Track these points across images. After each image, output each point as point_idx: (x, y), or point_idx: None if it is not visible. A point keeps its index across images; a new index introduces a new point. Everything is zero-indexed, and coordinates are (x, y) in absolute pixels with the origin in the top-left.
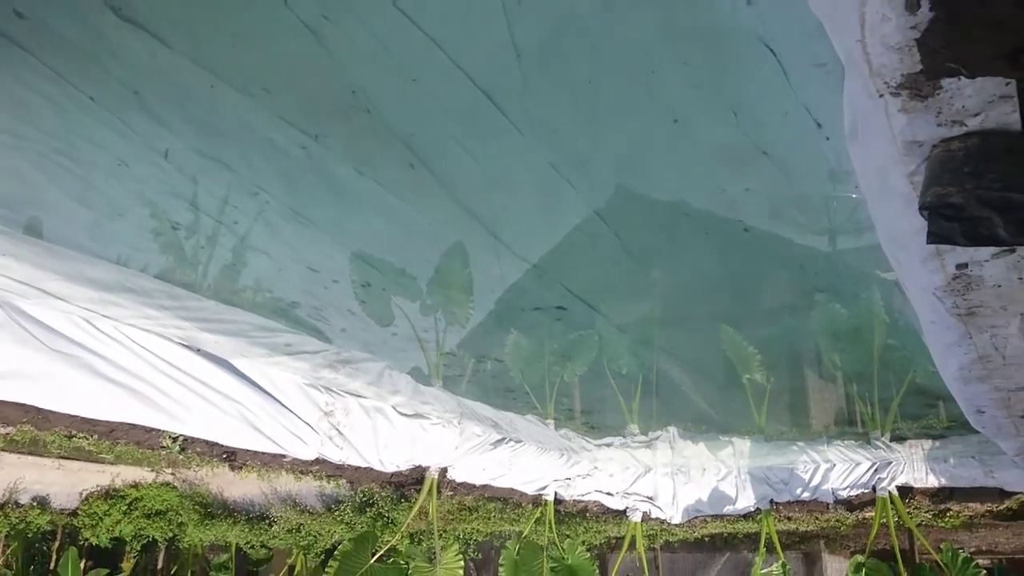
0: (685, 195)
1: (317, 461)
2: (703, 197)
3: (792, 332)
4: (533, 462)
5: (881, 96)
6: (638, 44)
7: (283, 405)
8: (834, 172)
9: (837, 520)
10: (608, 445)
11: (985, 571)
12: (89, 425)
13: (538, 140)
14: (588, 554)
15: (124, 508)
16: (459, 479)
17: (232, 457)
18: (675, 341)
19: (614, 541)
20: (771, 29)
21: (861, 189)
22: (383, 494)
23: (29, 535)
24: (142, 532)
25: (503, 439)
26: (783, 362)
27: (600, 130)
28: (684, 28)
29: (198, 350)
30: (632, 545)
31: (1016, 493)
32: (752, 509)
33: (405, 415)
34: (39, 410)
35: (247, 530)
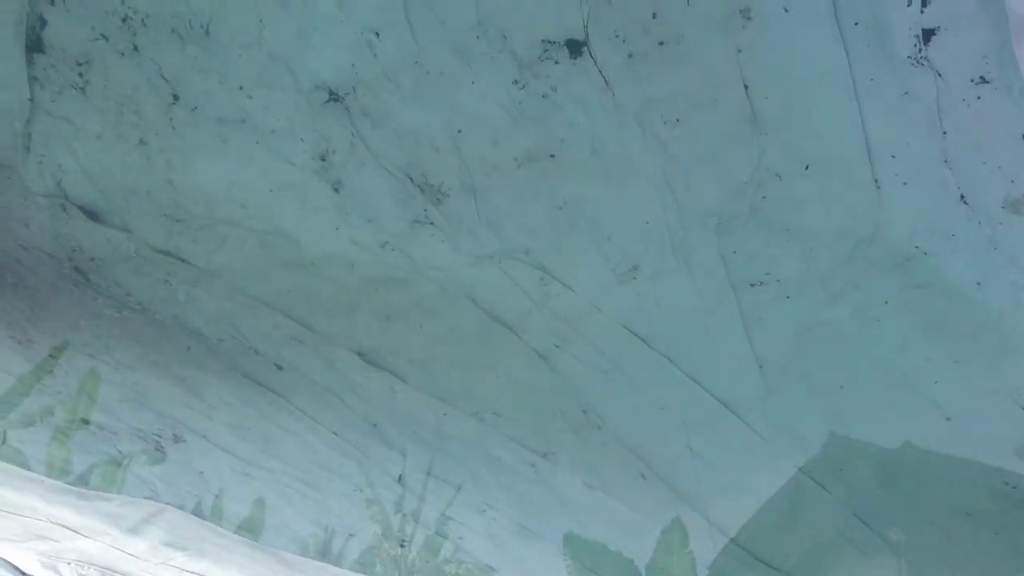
0: (965, 494)
1: None
2: (988, 495)
3: None
4: None
5: None
6: (897, 346)
7: None
8: None
9: None
10: None
11: None
12: None
13: (783, 445)
14: None
15: None
16: None
17: None
18: None
19: None
20: None
21: None
22: None
23: None
24: None
25: None
26: None
27: (857, 433)
28: (952, 327)
29: None
30: None
31: None
32: None
33: None
34: None
35: None
